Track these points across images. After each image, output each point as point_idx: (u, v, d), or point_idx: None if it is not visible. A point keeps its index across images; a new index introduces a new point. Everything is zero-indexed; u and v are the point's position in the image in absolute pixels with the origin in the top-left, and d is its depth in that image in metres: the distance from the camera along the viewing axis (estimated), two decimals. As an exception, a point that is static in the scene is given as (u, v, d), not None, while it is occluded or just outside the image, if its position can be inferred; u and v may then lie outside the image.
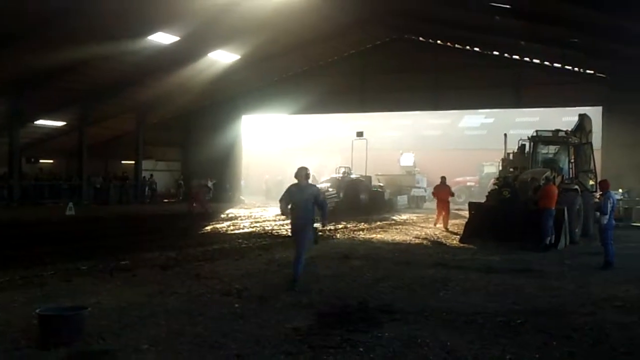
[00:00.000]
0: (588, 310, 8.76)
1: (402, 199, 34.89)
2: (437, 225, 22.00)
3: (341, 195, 28.06)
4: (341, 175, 29.66)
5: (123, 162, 41.45)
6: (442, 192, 22.72)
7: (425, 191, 38.95)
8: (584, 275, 11.95)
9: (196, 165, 39.56)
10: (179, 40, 26.58)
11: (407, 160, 42.80)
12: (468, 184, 41.53)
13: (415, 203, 36.88)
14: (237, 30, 26.95)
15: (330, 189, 27.75)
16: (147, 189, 38.43)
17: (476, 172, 44.78)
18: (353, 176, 30.00)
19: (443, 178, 23.26)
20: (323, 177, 31.05)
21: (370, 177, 32.17)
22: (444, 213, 22.10)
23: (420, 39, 33.70)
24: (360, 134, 34.33)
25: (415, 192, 37.36)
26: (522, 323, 7.88)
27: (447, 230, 20.99)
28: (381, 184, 34.04)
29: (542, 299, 9.51)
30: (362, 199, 29.21)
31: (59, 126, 36.61)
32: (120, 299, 8.89)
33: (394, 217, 27.79)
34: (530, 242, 15.69)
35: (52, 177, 36.47)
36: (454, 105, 36.58)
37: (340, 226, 22.18)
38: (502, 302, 9.21)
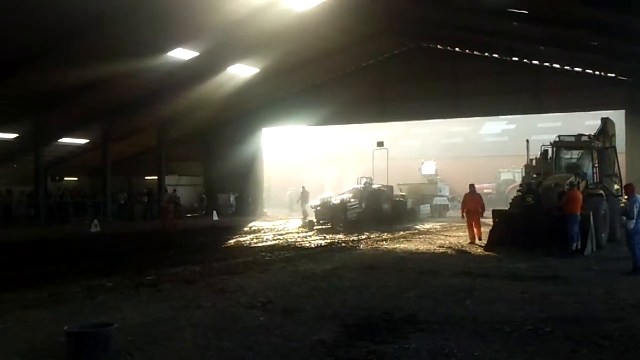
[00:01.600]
0: (617, 317, 8.62)
1: (425, 208, 34.77)
2: (477, 242, 19.44)
3: (364, 205, 28.01)
4: (363, 185, 29.60)
5: (146, 178, 41.82)
6: (472, 202, 20.29)
7: (448, 200, 38.79)
8: (612, 281, 11.78)
9: (218, 179, 39.79)
10: (198, 56, 26.83)
11: (429, 169, 42.67)
12: (485, 191, 41.17)
13: (439, 212, 36.78)
14: (256, 44, 27.15)
15: (352, 200, 27.74)
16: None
17: (493, 179, 44.53)
18: (375, 186, 29.93)
19: (472, 186, 20.70)
20: (345, 188, 31.05)
21: (392, 187, 32.06)
22: (475, 226, 20.02)
23: (439, 47, 33.64)
24: (381, 144, 34.32)
25: (438, 200, 37.23)
26: (550, 331, 7.77)
27: (479, 241, 19.42)
28: (403, 194, 33.92)
29: (570, 306, 9.39)
30: (384, 209, 29.13)
31: (83, 144, 37.10)
32: (146, 315, 8.94)
33: (418, 227, 27.68)
34: (556, 248, 15.52)
35: (77, 195, 36.87)
36: (474, 112, 36.48)
37: (363, 237, 22.14)
38: (528, 310, 9.10)
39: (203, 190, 40.17)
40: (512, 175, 44.01)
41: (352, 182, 32.35)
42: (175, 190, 39.09)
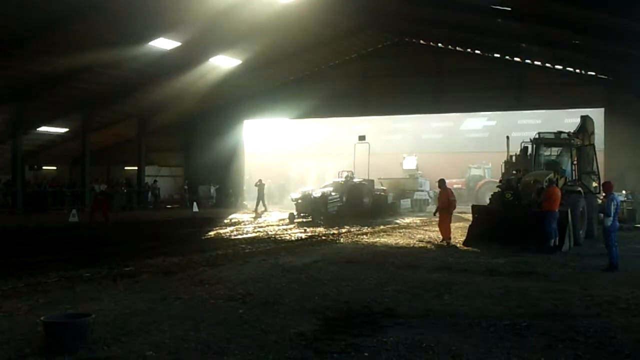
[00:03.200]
0: (593, 313, 8.73)
1: (406, 203, 34.96)
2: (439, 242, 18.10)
3: (344, 199, 28.04)
4: (344, 179, 29.63)
5: (126, 168, 41.54)
6: (442, 197, 18.72)
7: (429, 194, 38.97)
8: (589, 277, 11.91)
9: (199, 170, 39.63)
10: (180, 46, 26.68)
11: (410, 163, 42.91)
12: (455, 186, 41.29)
13: (419, 206, 36.98)
14: (238, 36, 27.05)
15: (333, 193, 27.76)
16: (149, 194, 38.44)
17: (463, 175, 44.69)
18: (356, 180, 29.97)
19: (442, 181, 18.96)
20: (326, 182, 31.08)
21: (373, 181, 32.12)
22: (440, 223, 18.50)
23: (421, 42, 33.72)
24: (362, 138, 34.37)
25: (418, 195, 37.44)
26: (527, 326, 7.84)
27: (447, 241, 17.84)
28: (384, 188, 34.02)
29: (547, 302, 9.48)
30: (365, 202, 29.17)
31: (62, 133, 36.76)
32: (124, 306, 8.88)
33: (397, 221, 27.78)
34: (534, 244, 15.67)
35: (55, 184, 36.51)
36: (456, 108, 36.69)
37: (343, 230, 22.17)
38: (506, 305, 9.18)
39: (185, 182, 39.94)
40: (482, 171, 44.28)
41: (333, 176, 32.40)
42: (155, 181, 39.00)
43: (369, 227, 23.67)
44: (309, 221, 26.01)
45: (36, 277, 11.26)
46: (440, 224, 18.50)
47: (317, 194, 27.55)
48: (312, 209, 26.69)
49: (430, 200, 38.86)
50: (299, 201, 27.34)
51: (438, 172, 41.85)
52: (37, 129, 34.44)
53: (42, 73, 27.00)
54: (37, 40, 23.96)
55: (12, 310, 8.58)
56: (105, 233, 21.84)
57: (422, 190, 38.43)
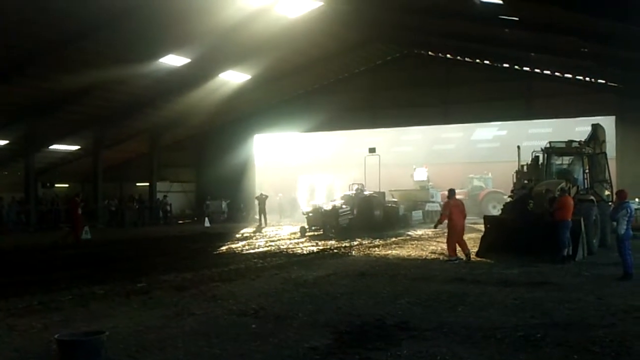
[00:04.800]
0: (608, 322, 8.66)
1: (417, 214, 34.76)
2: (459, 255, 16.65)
3: (355, 212, 27.98)
4: (354, 192, 29.57)
5: (138, 184, 41.69)
6: (455, 210, 17.03)
7: (440, 205, 38.71)
8: (603, 286, 11.82)
9: (210, 185, 39.70)
10: (190, 62, 26.85)
11: (421, 175, 42.58)
12: (458, 197, 41.06)
13: (430, 218, 36.47)
14: (247, 51, 27.21)
15: (344, 206, 27.72)
16: (160, 210, 38.53)
17: (465, 185, 44.09)
18: (366, 193, 29.90)
19: (452, 191, 18.32)
20: (336, 195, 31.03)
21: (384, 193, 32.03)
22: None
23: (430, 53, 33.78)
24: (372, 150, 34.34)
25: (429, 206, 37.17)
26: (542, 337, 7.80)
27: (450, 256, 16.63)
28: (395, 200, 33.94)
29: (561, 312, 9.42)
30: (376, 215, 29.09)
31: (74, 150, 36.96)
32: (137, 322, 8.90)
33: (409, 233, 27.68)
34: (547, 254, 15.57)
35: (67, 201, 36.66)
36: (465, 118, 36.62)
37: (355, 243, 22.13)
38: (520, 316, 9.13)
39: (208, 197, 39.65)
40: (483, 182, 43.69)
41: (344, 189, 32.36)
42: (165, 197, 39.08)
43: (380, 239, 23.60)
44: (320, 234, 25.97)
45: (50, 295, 11.31)
46: (459, 239, 16.76)
47: (327, 207, 27.54)
48: (324, 222, 26.66)
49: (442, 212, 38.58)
50: (310, 214, 27.33)
51: (449, 183, 41.85)
52: (49, 147, 34.68)
53: (54, 90, 27.23)
54: (49, 58, 24.18)
55: (27, 328, 8.62)
56: (118, 249, 21.90)
57: (434, 202, 38.23)
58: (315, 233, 26.38)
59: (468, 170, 44.40)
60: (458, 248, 16.67)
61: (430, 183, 41.06)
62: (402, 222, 31.69)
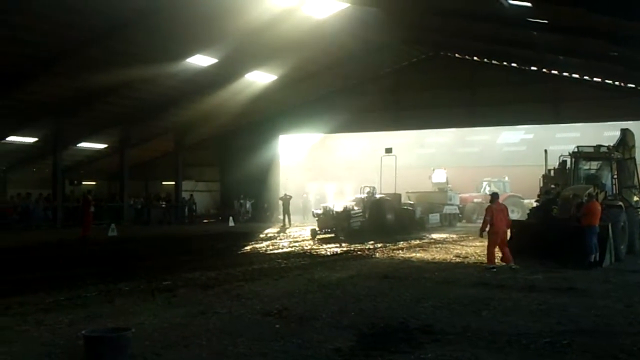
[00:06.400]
0: (636, 330, 8.53)
1: (434, 217, 33.48)
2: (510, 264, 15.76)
3: (366, 215, 27.45)
4: (365, 195, 28.99)
5: (163, 183, 42.06)
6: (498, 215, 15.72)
7: (458, 209, 38.11)
8: (631, 293, 11.65)
9: (234, 185, 39.88)
10: (216, 62, 27.03)
11: (440, 176, 41.77)
12: (475, 200, 40.56)
13: (448, 221, 35.57)
14: (274, 51, 27.30)
15: (355, 208, 27.36)
16: (186, 209, 38.82)
17: (478, 189, 43.02)
18: (378, 195, 29.18)
19: (495, 195, 16.52)
20: (348, 196, 30.64)
21: (399, 195, 31.05)
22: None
23: (457, 55, 33.56)
24: (389, 150, 33.21)
25: (447, 209, 36.20)
26: (568, 344, 7.70)
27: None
28: (411, 202, 33.22)
29: (588, 319, 9.30)
30: (388, 218, 27.87)
31: (101, 148, 37.42)
32: (162, 319, 8.98)
33: (433, 236, 27.30)
34: (574, 260, 15.38)
35: (94, 199, 37.07)
36: (491, 121, 36.34)
37: (379, 245, 22.03)
38: (546, 322, 9.03)
39: (241, 195, 39.67)
40: (500, 186, 41.66)
41: (355, 191, 31.84)
42: (191, 195, 39.38)
43: (391, 243, 22.97)
44: (332, 237, 25.50)
45: (76, 291, 11.46)
46: (502, 246, 15.98)
47: (338, 209, 27.10)
48: (334, 225, 26.21)
49: (461, 215, 38.07)
50: (321, 216, 26.87)
51: (469, 186, 41.46)
52: (77, 145, 35.14)
53: (81, 89, 27.57)
54: (76, 56, 24.48)
55: (54, 323, 8.74)
56: (143, 247, 22.10)
57: (452, 205, 37.48)
58: (326, 236, 25.82)
59: (489, 174, 43.66)
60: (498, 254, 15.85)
61: (449, 185, 40.42)
62: (418, 226, 30.43)
